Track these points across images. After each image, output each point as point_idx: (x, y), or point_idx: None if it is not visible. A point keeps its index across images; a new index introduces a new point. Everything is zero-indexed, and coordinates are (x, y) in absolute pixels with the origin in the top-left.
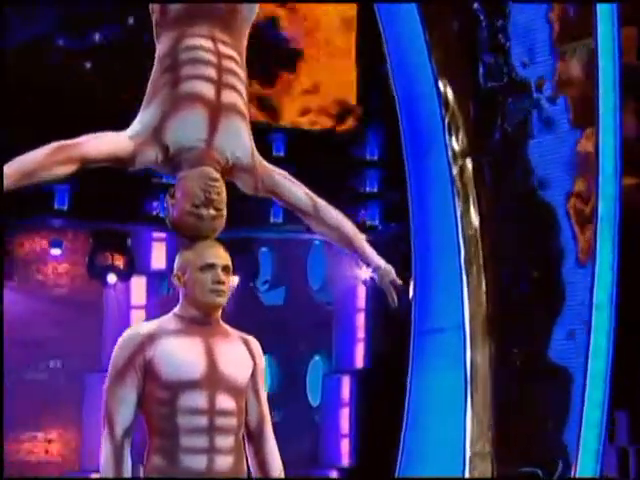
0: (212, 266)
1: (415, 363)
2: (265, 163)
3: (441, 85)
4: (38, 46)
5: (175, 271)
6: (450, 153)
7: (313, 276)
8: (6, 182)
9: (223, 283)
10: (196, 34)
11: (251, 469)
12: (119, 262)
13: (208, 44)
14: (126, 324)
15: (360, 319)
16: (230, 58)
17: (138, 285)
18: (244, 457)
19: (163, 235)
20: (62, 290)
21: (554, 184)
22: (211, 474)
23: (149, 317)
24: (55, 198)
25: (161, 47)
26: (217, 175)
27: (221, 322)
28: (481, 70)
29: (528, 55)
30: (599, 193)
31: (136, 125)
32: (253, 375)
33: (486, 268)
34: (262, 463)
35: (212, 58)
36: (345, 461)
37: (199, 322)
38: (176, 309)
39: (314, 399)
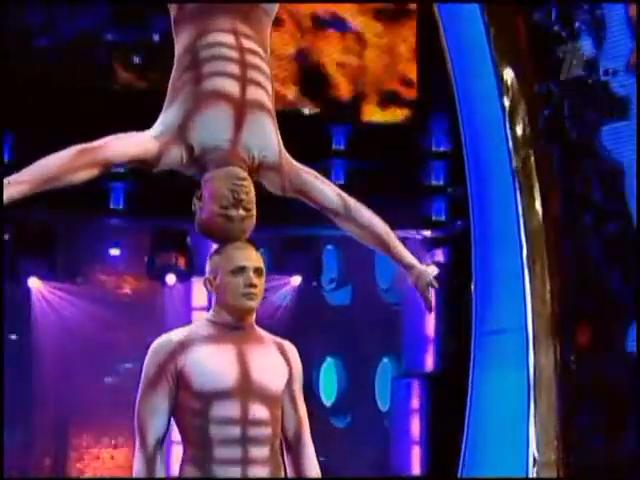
0: (243, 269)
1: (476, 366)
2: (293, 162)
3: (502, 72)
4: (86, 42)
5: (206, 275)
6: (511, 144)
7: (381, 274)
8: (26, 187)
9: (255, 286)
10: (217, 29)
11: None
12: (179, 262)
13: (230, 39)
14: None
15: (430, 319)
16: (254, 52)
17: (199, 286)
18: (282, 468)
19: None
20: (123, 292)
21: (628, 173)
22: None
23: None
24: (111, 197)
25: (180, 44)
26: (245, 174)
27: (255, 327)
28: (549, 57)
29: (599, 44)
30: None
31: (159, 125)
32: (289, 382)
33: (551, 265)
34: (299, 471)
35: (235, 54)
36: (416, 469)
37: (232, 327)
38: (209, 314)
39: (383, 404)
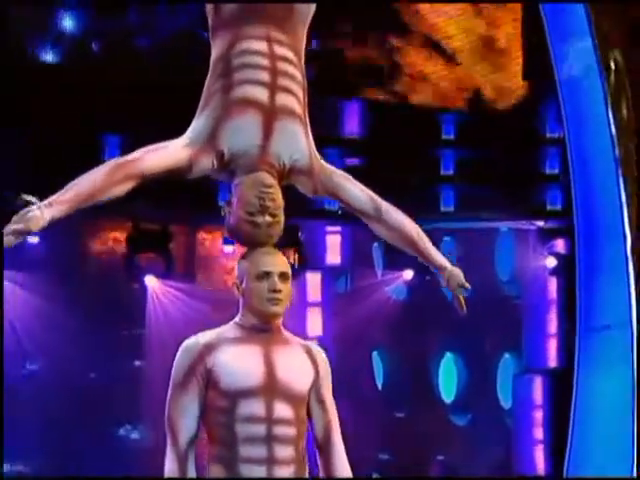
0: (268, 274)
1: (581, 363)
2: (325, 165)
3: (605, 57)
4: (182, 40)
5: (235, 279)
6: (614, 131)
7: (502, 267)
8: (66, 207)
9: (280, 291)
10: (250, 36)
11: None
12: (291, 258)
13: (262, 46)
14: (302, 322)
15: (552, 313)
16: (285, 60)
17: (313, 281)
18: (306, 470)
19: (338, 228)
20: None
21: None
22: None
23: (325, 314)
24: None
25: (215, 51)
26: (272, 181)
27: (282, 329)
28: None
29: None
30: None
31: (190, 132)
32: (315, 382)
33: None
34: (329, 471)
35: (265, 61)
36: (541, 469)
37: (259, 330)
38: (237, 317)
39: (505, 401)
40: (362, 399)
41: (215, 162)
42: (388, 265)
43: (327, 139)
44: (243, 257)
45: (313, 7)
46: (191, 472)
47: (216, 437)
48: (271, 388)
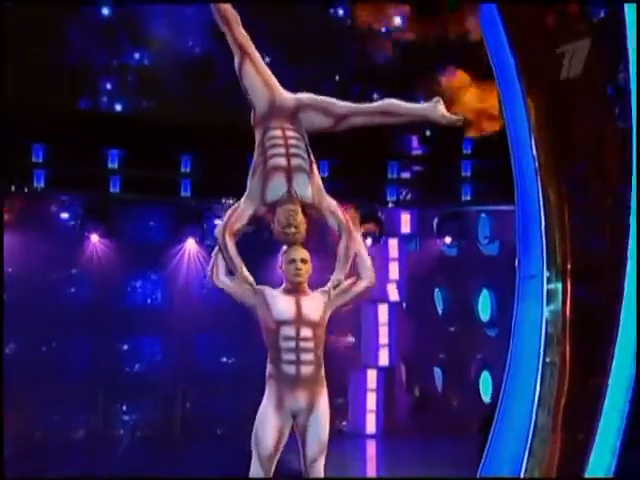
0: (294, 260)
1: (518, 302)
2: (326, 196)
3: None
4: None
5: (280, 263)
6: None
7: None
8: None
9: (300, 269)
10: (271, 127)
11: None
12: (374, 230)
13: (279, 133)
14: (386, 271)
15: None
16: (294, 138)
17: (393, 244)
18: (322, 367)
19: (408, 212)
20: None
21: None
22: (299, 378)
23: (401, 265)
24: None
25: (257, 138)
26: (295, 207)
27: (306, 288)
28: None
29: None
30: None
31: (248, 191)
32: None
33: None
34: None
35: (281, 141)
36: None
37: (292, 290)
38: (283, 285)
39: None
40: (429, 320)
41: (264, 208)
42: (440, 232)
43: None
44: (283, 251)
45: (315, 122)
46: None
47: (270, 346)
48: (299, 319)
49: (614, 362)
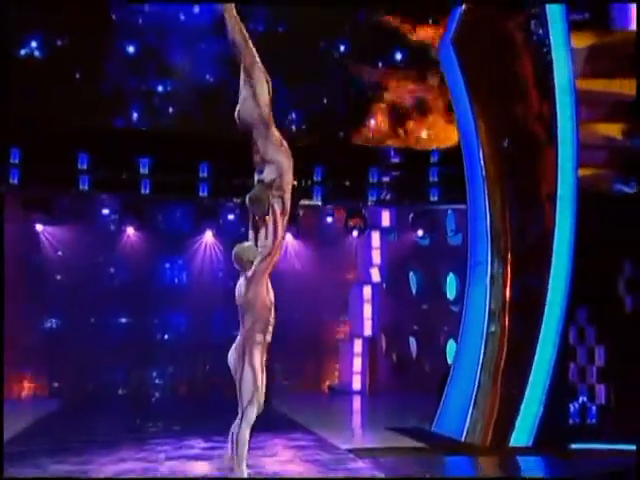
0: None
1: (469, 285)
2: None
3: None
4: None
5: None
6: None
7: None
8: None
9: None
10: None
11: None
12: (358, 223)
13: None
14: (369, 258)
15: None
16: None
17: (375, 236)
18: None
19: (388, 209)
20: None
21: None
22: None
23: (382, 252)
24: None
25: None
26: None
27: None
28: None
29: None
30: None
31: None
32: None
33: None
34: None
35: None
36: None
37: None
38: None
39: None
40: (405, 298)
41: None
42: (414, 226)
43: None
44: None
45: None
46: None
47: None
48: None
49: (542, 332)
